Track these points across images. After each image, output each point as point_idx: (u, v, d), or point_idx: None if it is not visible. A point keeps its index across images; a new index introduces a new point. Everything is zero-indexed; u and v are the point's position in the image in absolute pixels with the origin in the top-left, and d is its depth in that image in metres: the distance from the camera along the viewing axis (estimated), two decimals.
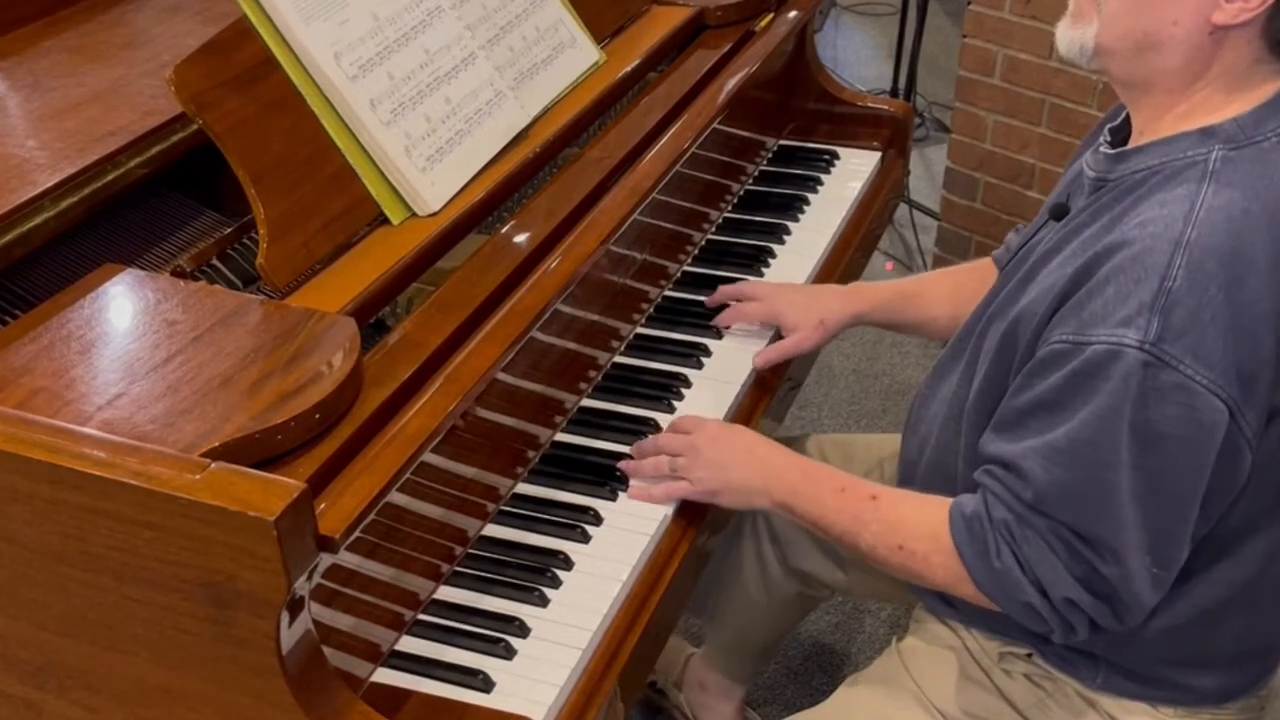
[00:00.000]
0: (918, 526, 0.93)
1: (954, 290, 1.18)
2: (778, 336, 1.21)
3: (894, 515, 0.95)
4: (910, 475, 1.08)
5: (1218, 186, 0.83)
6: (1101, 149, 0.94)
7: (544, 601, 0.91)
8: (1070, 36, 0.90)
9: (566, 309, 1.05)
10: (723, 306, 1.22)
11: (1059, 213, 0.97)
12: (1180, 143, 0.87)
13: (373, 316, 0.97)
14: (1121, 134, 0.95)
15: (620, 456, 1.05)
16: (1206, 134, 0.86)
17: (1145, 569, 0.86)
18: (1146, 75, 0.88)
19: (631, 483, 1.02)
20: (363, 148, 1.02)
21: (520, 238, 1.05)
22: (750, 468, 1.00)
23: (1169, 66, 0.86)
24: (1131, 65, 0.88)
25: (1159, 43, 0.85)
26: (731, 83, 1.31)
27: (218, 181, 1.03)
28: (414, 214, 1.04)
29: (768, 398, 1.18)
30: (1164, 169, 0.87)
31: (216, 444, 0.74)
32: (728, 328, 1.21)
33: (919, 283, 1.23)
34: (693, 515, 1.03)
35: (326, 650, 0.78)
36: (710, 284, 1.27)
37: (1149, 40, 0.86)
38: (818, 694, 1.53)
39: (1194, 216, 0.82)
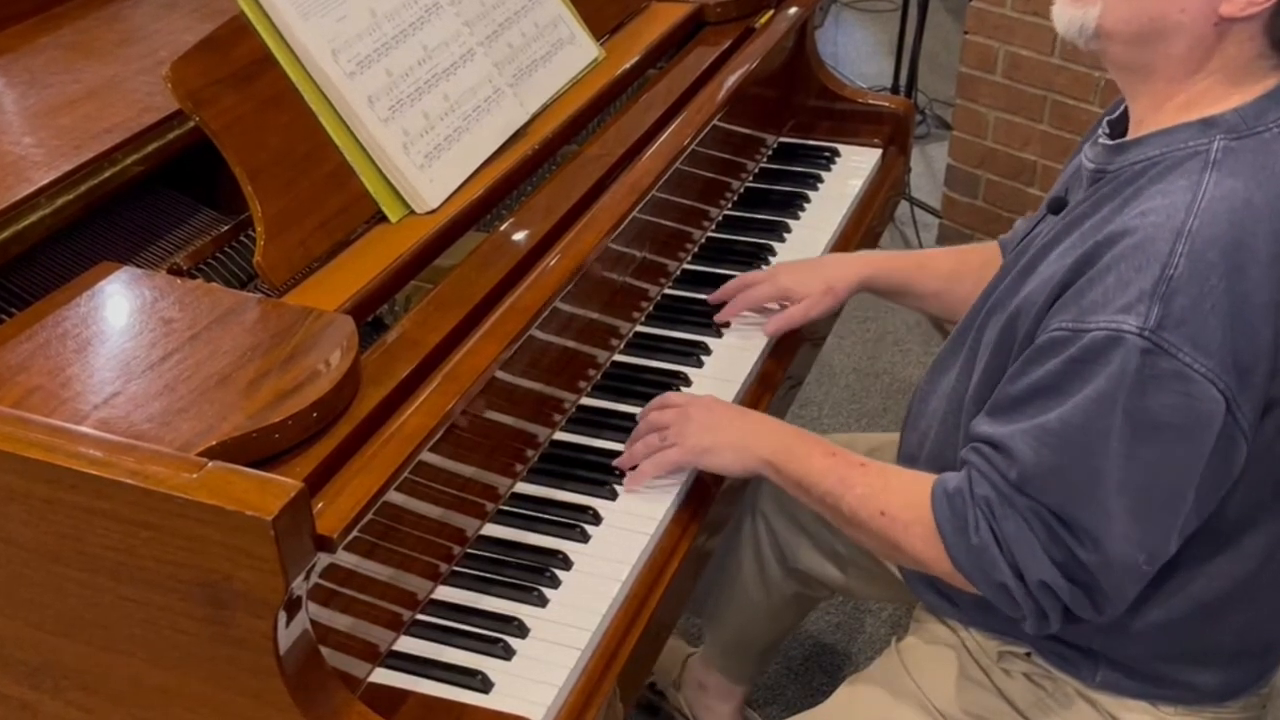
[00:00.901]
0: (903, 495, 0.93)
1: (961, 265, 1.17)
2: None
3: (880, 481, 0.95)
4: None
5: (1220, 176, 0.83)
6: (1100, 141, 0.93)
7: (543, 601, 0.91)
8: (1070, 15, 0.89)
9: (565, 307, 1.05)
10: (723, 307, 1.21)
11: (1057, 206, 0.97)
12: (1181, 133, 0.87)
13: (370, 314, 0.96)
14: (1120, 126, 0.94)
15: (620, 455, 1.04)
16: (1207, 124, 0.86)
17: (1129, 559, 0.85)
18: (1148, 61, 0.87)
19: (626, 475, 1.01)
20: (360, 145, 1.01)
21: (519, 235, 1.04)
22: (743, 426, 1.01)
23: (1171, 53, 0.86)
24: (1133, 50, 0.87)
25: (1164, 29, 0.85)
26: (731, 79, 1.30)
27: (215, 179, 1.02)
28: (412, 211, 1.03)
29: (769, 396, 1.18)
30: (1164, 159, 0.86)
31: (213, 443, 0.74)
32: (729, 322, 1.20)
33: (925, 255, 1.23)
34: (693, 513, 1.02)
35: (324, 650, 0.78)
36: (710, 282, 1.27)
37: (1154, 25, 0.85)
38: (818, 694, 1.53)
39: (1196, 206, 0.82)
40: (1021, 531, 0.86)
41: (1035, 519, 0.86)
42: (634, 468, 1.02)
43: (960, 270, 1.17)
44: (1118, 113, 0.95)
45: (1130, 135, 0.91)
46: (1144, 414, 0.81)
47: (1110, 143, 0.92)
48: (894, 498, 0.94)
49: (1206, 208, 0.82)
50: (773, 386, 1.19)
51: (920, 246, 2.45)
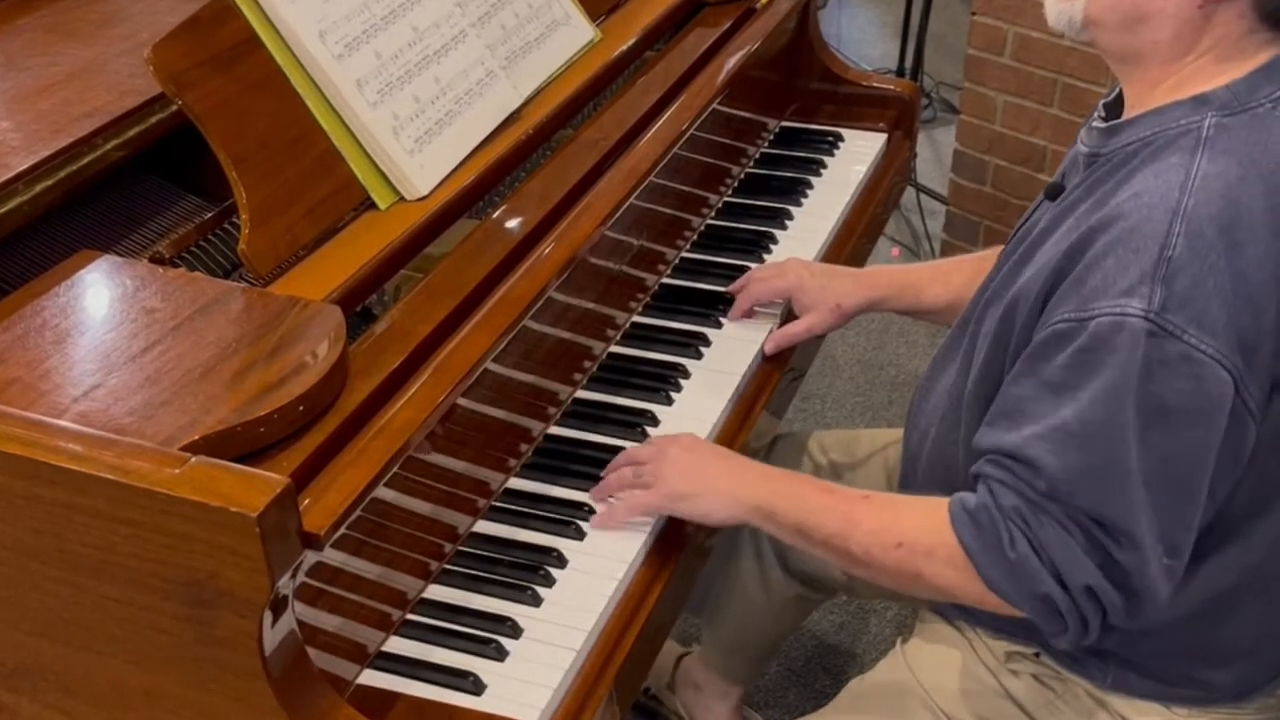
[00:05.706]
0: (918, 521, 0.90)
1: (972, 277, 1.16)
2: (789, 318, 1.18)
3: (889, 513, 0.91)
4: (912, 470, 1.06)
5: (1213, 153, 0.82)
6: (1094, 124, 0.92)
7: (537, 601, 0.90)
8: (1059, 8, 0.89)
9: (560, 297, 1.03)
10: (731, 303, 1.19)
11: (1054, 192, 0.96)
12: (1173, 112, 0.86)
13: (359, 304, 0.95)
14: (1115, 109, 0.93)
15: (617, 450, 1.02)
16: (1200, 102, 0.85)
17: (1157, 556, 0.83)
18: (1138, 47, 0.87)
19: (595, 514, 0.95)
20: (349, 129, 0.99)
21: (512, 223, 1.03)
22: (726, 471, 0.95)
23: (1159, 38, 0.85)
24: (1121, 37, 0.87)
25: (1147, 15, 0.85)
26: (732, 62, 1.29)
27: (198, 164, 1.01)
28: (402, 198, 1.02)
29: (769, 389, 1.16)
30: (1156, 139, 0.86)
31: (197, 437, 0.73)
32: (746, 314, 1.18)
33: (935, 269, 1.21)
34: None
35: (311, 651, 0.77)
36: (710, 271, 1.25)
37: (1138, 12, 0.85)
38: (821, 696, 1.51)
39: (1190, 184, 0.81)
40: (1060, 536, 0.84)
41: (1071, 523, 0.84)
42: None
43: (973, 280, 1.14)
44: (1113, 95, 0.94)
45: (1124, 117, 0.90)
46: (1154, 400, 0.80)
47: (1103, 125, 0.91)
48: (908, 526, 0.89)
49: (1201, 185, 0.81)
50: (774, 380, 1.17)
51: (927, 234, 2.43)
